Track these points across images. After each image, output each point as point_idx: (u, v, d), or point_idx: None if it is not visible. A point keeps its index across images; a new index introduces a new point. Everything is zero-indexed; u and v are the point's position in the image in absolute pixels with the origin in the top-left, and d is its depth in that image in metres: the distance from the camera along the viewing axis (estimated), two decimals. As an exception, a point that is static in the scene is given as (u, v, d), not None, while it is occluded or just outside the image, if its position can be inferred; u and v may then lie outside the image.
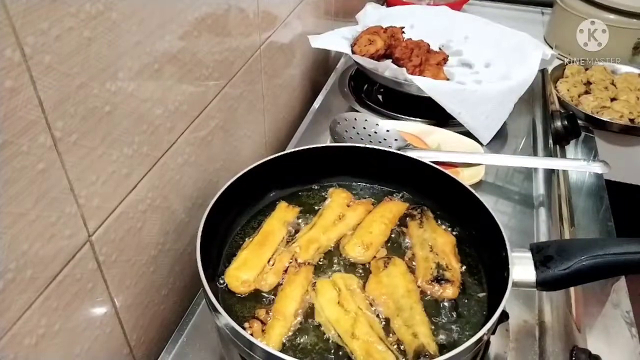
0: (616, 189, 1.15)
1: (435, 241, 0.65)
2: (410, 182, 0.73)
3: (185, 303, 0.71)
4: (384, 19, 1.21)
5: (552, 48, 1.30)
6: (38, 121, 0.42)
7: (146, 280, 0.63)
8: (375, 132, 0.89)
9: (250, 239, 0.66)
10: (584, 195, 0.98)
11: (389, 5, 1.42)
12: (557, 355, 0.64)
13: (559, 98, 1.22)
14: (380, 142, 0.88)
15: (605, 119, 1.17)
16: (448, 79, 1.08)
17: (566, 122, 1.04)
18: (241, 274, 0.61)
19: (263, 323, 0.56)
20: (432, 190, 0.71)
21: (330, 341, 0.55)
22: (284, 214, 0.69)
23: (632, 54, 1.34)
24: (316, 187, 0.75)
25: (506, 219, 0.85)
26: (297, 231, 0.68)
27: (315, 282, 0.61)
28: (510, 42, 1.15)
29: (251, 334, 0.51)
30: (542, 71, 1.22)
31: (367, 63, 1.04)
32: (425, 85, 0.97)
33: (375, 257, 0.64)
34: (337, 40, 1.08)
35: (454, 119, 0.98)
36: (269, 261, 0.63)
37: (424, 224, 0.68)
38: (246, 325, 0.55)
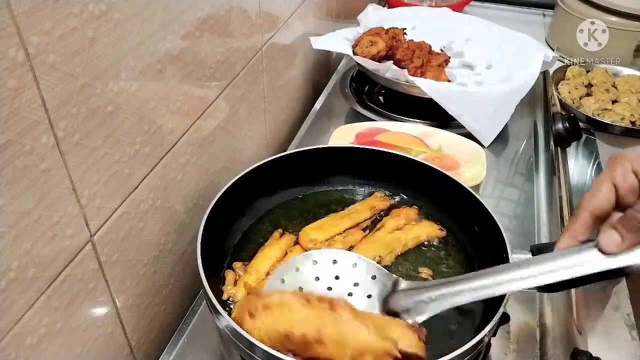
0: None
1: None
2: (410, 184, 0.73)
3: (186, 304, 0.71)
4: (386, 20, 1.21)
5: (553, 50, 1.30)
6: (41, 121, 0.42)
7: (147, 281, 0.64)
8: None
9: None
10: (585, 198, 0.98)
11: (390, 7, 1.42)
12: (558, 357, 0.64)
13: (560, 100, 1.22)
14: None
15: (606, 122, 1.17)
16: (449, 81, 1.08)
17: (567, 124, 1.04)
18: (313, 232, 0.67)
19: (237, 275, 0.62)
20: (433, 192, 0.71)
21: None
22: (375, 201, 0.72)
23: (634, 57, 1.33)
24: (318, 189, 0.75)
25: (507, 221, 0.85)
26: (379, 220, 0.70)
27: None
28: (512, 44, 1.15)
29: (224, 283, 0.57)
30: (544, 73, 1.21)
31: (369, 64, 1.04)
32: (427, 86, 0.97)
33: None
34: (338, 41, 1.08)
35: (456, 120, 0.98)
36: (341, 232, 0.68)
37: None
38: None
